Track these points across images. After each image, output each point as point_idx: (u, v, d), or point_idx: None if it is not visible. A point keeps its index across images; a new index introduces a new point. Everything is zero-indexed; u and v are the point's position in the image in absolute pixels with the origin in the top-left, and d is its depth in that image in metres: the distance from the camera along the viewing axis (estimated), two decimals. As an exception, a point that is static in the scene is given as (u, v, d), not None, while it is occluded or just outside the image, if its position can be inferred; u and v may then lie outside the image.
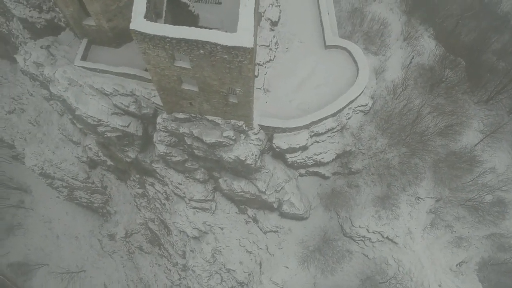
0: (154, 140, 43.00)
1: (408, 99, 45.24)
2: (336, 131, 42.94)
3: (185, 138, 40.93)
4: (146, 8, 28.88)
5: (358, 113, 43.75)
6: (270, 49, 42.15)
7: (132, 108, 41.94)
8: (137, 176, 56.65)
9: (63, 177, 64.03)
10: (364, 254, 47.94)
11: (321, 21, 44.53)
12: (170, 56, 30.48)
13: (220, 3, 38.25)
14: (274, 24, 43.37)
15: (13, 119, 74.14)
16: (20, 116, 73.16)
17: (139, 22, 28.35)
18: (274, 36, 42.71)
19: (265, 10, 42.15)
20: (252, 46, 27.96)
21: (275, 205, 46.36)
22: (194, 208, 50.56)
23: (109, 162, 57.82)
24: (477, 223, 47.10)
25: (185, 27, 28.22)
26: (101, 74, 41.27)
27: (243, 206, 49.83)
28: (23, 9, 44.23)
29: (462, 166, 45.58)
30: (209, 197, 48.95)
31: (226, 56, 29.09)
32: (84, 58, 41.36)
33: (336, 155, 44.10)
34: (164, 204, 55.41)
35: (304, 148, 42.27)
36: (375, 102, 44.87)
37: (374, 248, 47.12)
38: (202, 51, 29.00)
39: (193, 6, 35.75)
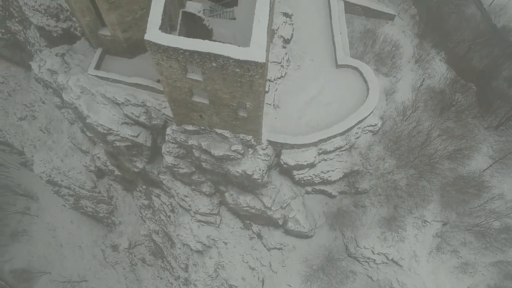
0: (163, 151, 43.21)
1: (418, 121, 45.24)
2: (344, 150, 42.91)
3: (194, 150, 41.09)
4: (162, 20, 29.30)
5: (367, 133, 43.74)
6: (282, 66, 42.50)
7: (142, 119, 42.27)
8: (144, 187, 56.77)
9: (70, 185, 64.34)
10: (368, 276, 47.45)
11: (333, 40, 44.94)
12: (183, 68, 30.81)
13: (234, 18, 38.73)
14: (286, 41, 43.79)
15: (24, 126, 74.98)
16: (31, 123, 73.97)
17: (154, 33, 28.75)
18: (286, 53, 43.10)
19: (278, 28, 42.63)
20: (264, 61, 28.22)
21: (280, 222, 46.18)
22: (199, 221, 50.48)
23: (116, 172, 58.06)
24: (484, 250, 46.49)
25: (198, 39, 28.59)
26: (113, 84, 41.76)
27: (248, 222, 49.68)
28: (41, 17, 45.07)
29: (470, 191, 45.23)
30: (215, 211, 48.89)
31: (238, 70, 29.35)
32: (97, 67, 41.90)
33: (343, 174, 44.01)
34: (169, 216, 55.38)
35: (311, 165, 42.23)
36: (384, 122, 44.89)
37: (378, 270, 46.65)
38: (214, 64, 29.29)
39: (208, 20, 36.16)
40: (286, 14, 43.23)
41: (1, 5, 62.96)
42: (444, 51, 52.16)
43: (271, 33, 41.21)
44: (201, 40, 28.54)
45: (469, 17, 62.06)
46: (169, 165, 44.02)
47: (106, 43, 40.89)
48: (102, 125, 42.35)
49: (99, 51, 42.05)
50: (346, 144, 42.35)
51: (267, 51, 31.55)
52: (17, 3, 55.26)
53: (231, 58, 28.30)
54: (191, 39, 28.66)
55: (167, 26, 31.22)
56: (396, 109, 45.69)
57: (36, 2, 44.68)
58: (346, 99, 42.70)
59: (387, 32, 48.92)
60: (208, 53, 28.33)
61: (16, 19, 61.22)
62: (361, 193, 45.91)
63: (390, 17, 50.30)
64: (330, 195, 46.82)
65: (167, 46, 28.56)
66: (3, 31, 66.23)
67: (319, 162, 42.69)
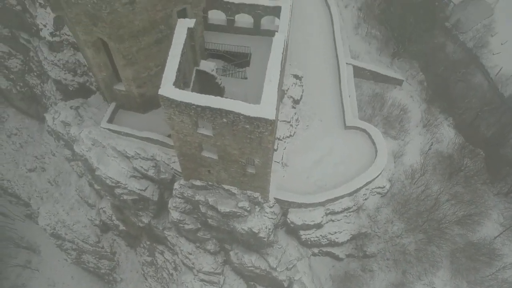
0: (169, 206, 43.03)
1: (426, 185, 45.02)
2: (352, 211, 42.47)
3: (200, 206, 40.89)
4: (176, 76, 30.17)
5: (375, 194, 43.46)
6: (291, 125, 43.09)
7: (151, 173, 42.49)
8: (148, 243, 55.99)
9: (73, 239, 63.65)
10: None
11: (342, 102, 45.80)
12: (194, 123, 31.34)
13: (246, 78, 39.81)
14: (296, 102, 44.68)
15: (32, 177, 75.51)
16: (40, 174, 74.55)
17: (168, 88, 29.52)
18: (295, 113, 43.85)
19: (288, 88, 43.63)
20: (274, 118, 28.67)
21: (285, 284, 44.87)
22: (202, 280, 49.20)
23: (121, 227, 57.55)
24: (497, 322, 44.64)
25: (210, 96, 29.31)
26: (125, 137, 42.39)
27: (252, 283, 48.34)
28: (59, 71, 46.76)
29: (481, 258, 44.11)
30: (218, 270, 47.78)
31: (248, 126, 29.79)
32: (110, 120, 42.72)
33: (351, 236, 43.26)
34: (171, 274, 54.15)
35: (318, 225, 41.68)
36: (392, 185, 44.69)
37: (386, 339, 44.70)
38: (225, 120, 29.80)
39: (220, 79, 37.23)
40: (296, 76, 44.39)
41: (22, 60, 65.73)
42: (452, 117, 52.77)
43: (281, 93, 42.14)
44: (213, 96, 29.25)
45: (476, 85, 63.31)
46: (175, 220, 43.66)
47: (120, 97, 41.95)
48: (110, 177, 42.56)
49: (112, 105, 43.03)
50: (354, 205, 41.99)
51: (277, 109, 32.13)
52: (37, 58, 57.63)
53: (242, 115, 28.80)
54: (203, 95, 29.36)
55: (181, 82, 32.11)
56: (405, 172, 45.62)
57: (55, 57, 46.55)
58: (354, 160, 42.82)
59: (395, 96, 49.86)
60: (220, 109, 28.89)
61: (35, 73, 63.63)
62: (369, 257, 44.88)
63: (398, 82, 51.44)
64: (337, 258, 45.76)
65: (180, 101, 29.21)
66: (21, 84, 68.67)
67: (327, 222, 42.16)
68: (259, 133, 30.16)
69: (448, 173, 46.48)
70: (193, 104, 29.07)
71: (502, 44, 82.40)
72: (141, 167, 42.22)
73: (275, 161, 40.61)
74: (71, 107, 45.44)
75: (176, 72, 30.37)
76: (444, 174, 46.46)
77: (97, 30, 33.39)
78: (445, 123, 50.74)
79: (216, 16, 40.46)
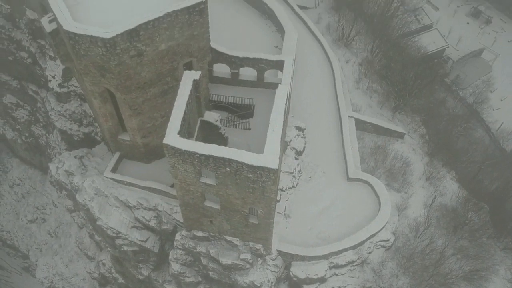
0: (170, 257, 42.35)
1: (431, 238, 44.36)
2: (356, 265, 41.61)
3: (201, 258, 40.22)
4: (181, 125, 30.66)
5: (379, 248, 42.73)
6: (294, 176, 43.12)
7: (152, 223, 42.13)
8: (147, 297, 54.59)
9: (70, 292, 62.33)
10: None
11: (344, 154, 46.03)
12: (197, 172, 31.49)
13: (249, 129, 40.33)
14: (298, 153, 44.94)
15: (32, 229, 74.88)
16: (40, 226, 73.98)
17: (172, 137, 29.90)
18: (298, 165, 43.98)
19: (291, 140, 44.03)
20: (277, 167, 28.83)
21: None
22: (202, 337, 47.54)
23: (120, 280, 56.27)
24: None
25: (214, 145, 29.63)
26: (127, 187, 42.37)
27: None
28: (65, 121, 47.57)
29: (489, 316, 42.82)
30: (219, 326, 46.27)
31: (251, 175, 29.88)
32: (114, 170, 42.88)
33: (355, 291, 42.20)
34: (170, 331, 52.31)
35: (322, 280, 40.69)
36: (397, 238, 44.02)
37: None
38: (228, 169, 29.94)
39: (224, 129, 37.76)
40: (299, 128, 44.92)
41: (29, 111, 67.10)
42: (455, 170, 52.90)
43: (284, 144, 42.51)
44: (216, 146, 29.56)
45: (477, 139, 63.97)
46: (175, 273, 42.81)
47: (124, 147, 42.36)
48: (112, 228, 42.17)
49: (117, 155, 43.35)
50: (358, 258, 41.21)
51: (280, 159, 32.34)
52: (44, 109, 58.83)
53: (245, 164, 28.96)
54: (207, 144, 29.69)
55: (185, 132, 32.55)
56: (409, 225, 45.09)
57: (62, 107, 47.53)
58: (357, 213, 42.51)
59: (397, 149, 50.17)
60: (223, 158, 29.11)
61: (41, 124, 64.72)
62: (374, 314, 43.52)
63: (400, 135, 51.93)
64: (342, 314, 44.37)
65: (184, 150, 29.50)
66: (27, 134, 69.70)
67: (330, 276, 41.17)
68: (262, 183, 30.19)
69: (453, 227, 45.93)
70: (197, 153, 29.33)
71: (501, 100, 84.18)
72: (143, 217, 41.92)
73: (277, 212, 40.32)
74: (75, 157, 45.83)
75: (181, 122, 30.87)
76: (449, 227, 45.90)
77: (105, 81, 34.27)
78: (448, 176, 50.74)
79: (221, 69, 41.61)
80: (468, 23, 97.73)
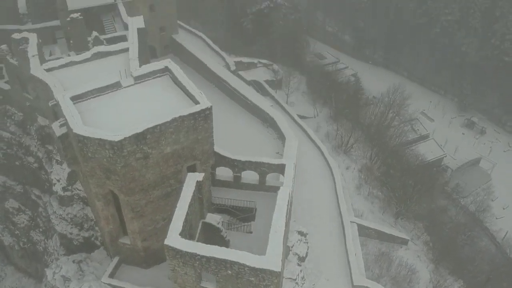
0: None
1: None
2: None
3: None
4: (183, 227, 30.57)
5: None
6: (297, 283, 41.76)
7: (148, 332, 39.97)
8: None
9: None
10: None
11: (348, 261, 45.08)
12: (198, 275, 30.70)
13: (251, 232, 40.02)
14: (301, 259, 44.06)
15: None
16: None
17: (174, 238, 29.65)
18: (301, 271, 42.85)
19: (293, 245, 43.47)
20: (280, 270, 28.18)
21: None
22: None
23: None
24: None
25: (215, 246, 29.29)
26: (125, 293, 40.91)
27: None
28: (66, 225, 47.37)
29: None
30: None
31: (253, 279, 29.06)
32: (112, 275, 41.62)
33: None
34: None
35: None
36: None
37: None
38: (229, 272, 29.22)
39: (225, 232, 37.48)
40: (301, 233, 44.60)
41: (30, 216, 66.95)
42: (462, 279, 51.45)
43: (286, 249, 41.84)
44: (218, 247, 29.21)
45: (483, 248, 63.07)
46: None
47: (124, 251, 41.65)
48: (104, 338, 39.94)
49: (115, 259, 42.43)
50: None
51: (283, 262, 31.70)
52: (45, 213, 58.74)
53: (247, 266, 28.33)
54: (209, 245, 29.36)
55: (187, 233, 32.34)
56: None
57: (64, 211, 47.64)
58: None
59: (402, 256, 49.26)
60: (224, 260, 28.57)
61: (41, 229, 64.14)
62: None
63: (404, 242, 51.27)
64: None
65: (185, 252, 29.09)
66: (25, 240, 68.74)
67: None
68: (264, 286, 29.29)
69: None
70: (198, 255, 28.89)
71: (504, 208, 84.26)
72: (138, 325, 39.88)
73: (280, 322, 38.44)
74: (73, 261, 44.81)
75: (183, 223, 30.83)
76: None
77: (110, 182, 34.83)
78: (456, 285, 49.28)
79: (223, 172, 42.46)
80: (463, 134, 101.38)
